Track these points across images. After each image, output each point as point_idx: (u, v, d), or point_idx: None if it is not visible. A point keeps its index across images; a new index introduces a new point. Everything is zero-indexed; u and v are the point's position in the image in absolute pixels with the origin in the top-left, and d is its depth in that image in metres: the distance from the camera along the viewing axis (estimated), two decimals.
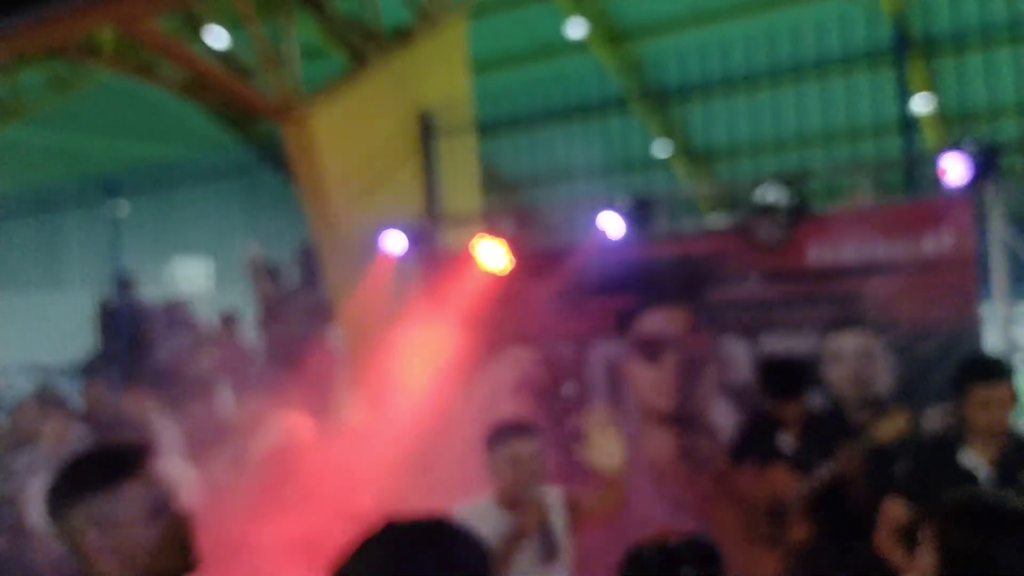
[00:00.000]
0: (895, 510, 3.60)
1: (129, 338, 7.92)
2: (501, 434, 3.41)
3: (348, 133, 6.43)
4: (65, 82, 11.46)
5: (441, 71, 7.34)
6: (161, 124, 16.51)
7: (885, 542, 3.62)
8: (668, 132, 11.01)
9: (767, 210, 5.11)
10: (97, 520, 1.77)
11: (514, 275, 5.90)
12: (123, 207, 8.65)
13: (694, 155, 11.13)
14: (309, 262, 7.15)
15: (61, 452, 6.01)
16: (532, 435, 3.42)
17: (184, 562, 1.84)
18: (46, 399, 6.64)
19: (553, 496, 3.44)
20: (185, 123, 16.68)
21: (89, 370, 8.08)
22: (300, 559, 3.79)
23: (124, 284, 8.12)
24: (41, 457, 6.05)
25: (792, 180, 5.21)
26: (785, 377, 4.27)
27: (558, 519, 3.42)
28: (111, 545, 1.76)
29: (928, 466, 3.56)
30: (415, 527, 1.55)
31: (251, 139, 15.79)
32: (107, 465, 1.83)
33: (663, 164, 11.15)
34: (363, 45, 6.84)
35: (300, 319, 6.83)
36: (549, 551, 3.32)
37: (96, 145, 15.21)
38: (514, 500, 3.34)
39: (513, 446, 3.36)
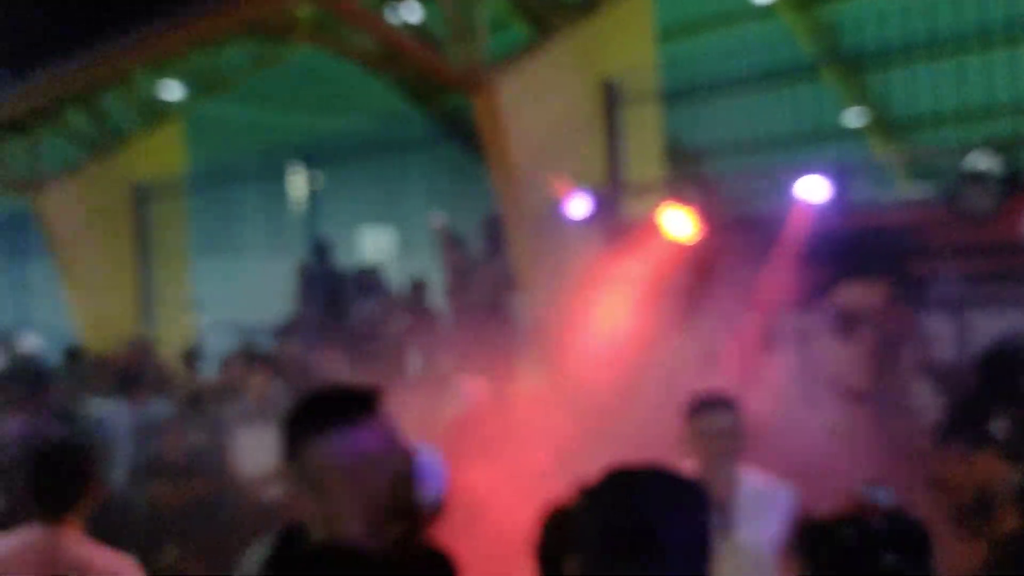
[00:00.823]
0: None
1: (325, 301, 8.37)
2: (700, 406, 3.37)
3: (533, 103, 6.49)
4: (263, 59, 12.10)
5: (626, 39, 7.26)
6: (348, 99, 17.24)
7: None
8: (863, 99, 10.47)
9: (977, 179, 4.78)
10: (338, 455, 1.80)
11: (702, 244, 5.81)
12: (318, 178, 9.11)
13: (891, 124, 10.52)
14: (493, 232, 7.29)
15: (264, 404, 6.46)
16: (731, 410, 3.37)
17: (411, 500, 1.91)
18: (250, 355, 7.13)
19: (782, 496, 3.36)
20: (370, 97, 17.36)
21: (286, 330, 8.60)
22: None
23: (321, 250, 8.56)
24: (247, 409, 6.51)
25: (1005, 147, 4.85)
26: (1006, 361, 4.01)
27: (757, 506, 3.32)
28: (350, 480, 1.79)
29: None
30: (638, 473, 1.57)
31: (434, 112, 16.24)
32: (346, 402, 1.86)
33: (855, 134, 10.61)
34: (548, 15, 6.87)
35: (485, 287, 7.01)
36: (723, 528, 3.20)
37: (287, 120, 16.07)
38: (707, 473, 3.28)
39: (710, 419, 3.33)
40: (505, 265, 7.09)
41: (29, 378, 5.72)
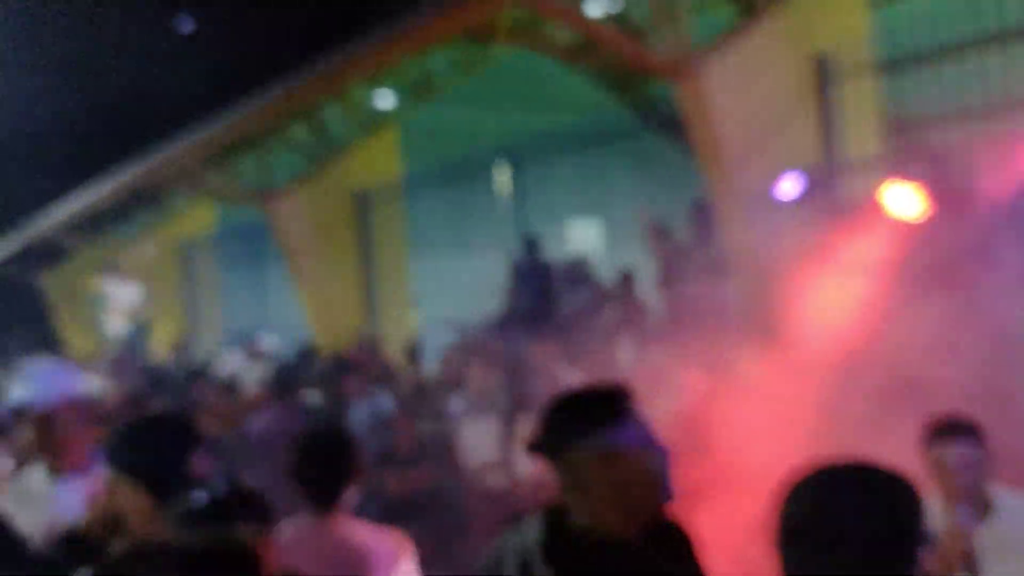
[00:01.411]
0: None
1: (535, 294, 8.53)
2: (940, 431, 3.06)
3: (741, 85, 6.31)
4: (468, 62, 12.50)
5: (837, 11, 6.91)
6: (550, 95, 17.46)
7: None
8: None
9: None
10: (601, 452, 1.92)
11: (931, 221, 5.44)
12: (524, 175, 9.29)
13: None
14: (702, 219, 7.17)
15: (484, 396, 6.68)
16: (977, 437, 2.99)
17: (664, 494, 1.97)
18: (469, 348, 7.39)
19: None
20: (572, 92, 17.49)
21: (500, 324, 8.85)
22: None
23: (531, 245, 8.74)
24: (468, 401, 6.75)
25: None
26: None
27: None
28: (611, 475, 1.92)
29: None
30: (846, 469, 1.56)
31: (634, 102, 16.15)
32: (603, 403, 1.98)
33: None
34: None
35: (696, 276, 6.90)
36: None
37: (492, 120, 16.51)
38: (947, 509, 2.91)
39: (951, 448, 2.98)
40: (716, 251, 6.94)
41: (280, 376, 6.19)
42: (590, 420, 1.95)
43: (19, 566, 1.84)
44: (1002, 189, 5.21)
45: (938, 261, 5.35)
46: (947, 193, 5.51)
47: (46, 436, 2.95)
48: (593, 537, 1.94)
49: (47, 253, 19.44)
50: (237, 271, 15.05)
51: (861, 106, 6.59)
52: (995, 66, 6.71)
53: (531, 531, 2.02)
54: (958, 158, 6.23)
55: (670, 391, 5.32)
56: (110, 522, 2.10)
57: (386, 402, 7.22)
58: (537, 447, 2.12)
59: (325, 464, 2.64)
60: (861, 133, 6.67)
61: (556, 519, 2.01)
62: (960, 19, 6.57)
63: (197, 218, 15.65)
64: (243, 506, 1.87)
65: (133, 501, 2.06)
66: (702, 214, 7.19)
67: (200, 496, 1.86)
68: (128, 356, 9.07)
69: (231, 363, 10.26)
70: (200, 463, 2.14)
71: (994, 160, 5.96)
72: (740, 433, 4.79)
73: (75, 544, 2.09)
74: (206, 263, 15.43)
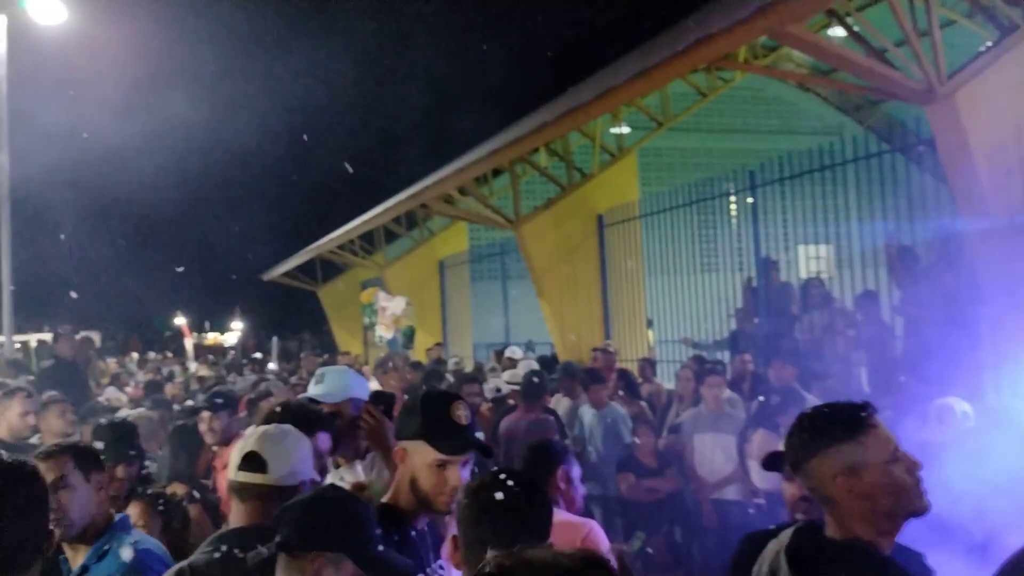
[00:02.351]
0: None
1: (772, 315, 8.30)
2: None
3: (999, 109, 5.83)
4: (706, 91, 12.38)
5: None
6: (783, 119, 16.94)
7: None
8: None
9: None
10: (846, 466, 1.93)
11: None
12: (757, 198, 9.05)
13: None
14: (948, 244, 6.67)
15: (719, 412, 6.58)
16: None
17: (915, 505, 1.93)
18: (703, 366, 7.29)
19: None
20: (805, 115, 16.87)
21: (737, 344, 8.67)
22: None
23: (767, 266, 8.51)
24: (702, 415, 6.67)
25: None
26: None
27: None
28: (856, 487, 1.92)
29: None
30: None
31: (869, 124, 15.32)
32: (851, 416, 1.99)
33: None
34: (1010, 15, 6.12)
35: (939, 300, 6.42)
36: None
37: (729, 144, 16.25)
38: None
39: None
40: (959, 276, 6.44)
41: (529, 383, 6.42)
42: (833, 434, 1.96)
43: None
44: None
45: None
46: None
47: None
48: (841, 547, 1.93)
49: (326, 268, 21.32)
50: (485, 287, 15.75)
51: None
52: None
53: (784, 539, 2.03)
54: None
55: (930, 420, 4.96)
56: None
57: (620, 413, 7.27)
58: (776, 461, 2.14)
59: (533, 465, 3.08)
60: None
61: (810, 530, 2.02)
62: None
63: (453, 239, 16.54)
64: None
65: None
66: (953, 239, 6.69)
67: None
68: (398, 359, 9.72)
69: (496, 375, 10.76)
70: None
71: None
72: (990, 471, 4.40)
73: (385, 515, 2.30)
74: (459, 279, 16.25)
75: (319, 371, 3.49)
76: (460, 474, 2.33)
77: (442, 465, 2.32)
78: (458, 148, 12.09)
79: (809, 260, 10.55)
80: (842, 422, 1.98)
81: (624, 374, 8.39)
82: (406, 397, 3.34)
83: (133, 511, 3.33)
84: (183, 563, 2.27)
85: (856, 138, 10.06)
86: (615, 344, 10.66)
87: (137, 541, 2.74)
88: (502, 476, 2.01)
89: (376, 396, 3.33)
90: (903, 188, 8.42)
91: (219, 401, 5.12)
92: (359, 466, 3.32)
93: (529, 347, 12.01)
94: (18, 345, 15.81)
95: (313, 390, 3.36)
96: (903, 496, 1.91)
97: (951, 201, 6.47)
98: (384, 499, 2.43)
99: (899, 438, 2.00)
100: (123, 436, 4.01)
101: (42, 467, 2.04)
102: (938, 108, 5.81)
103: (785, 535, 2.04)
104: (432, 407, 2.37)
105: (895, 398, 5.36)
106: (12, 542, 1.54)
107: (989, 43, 6.26)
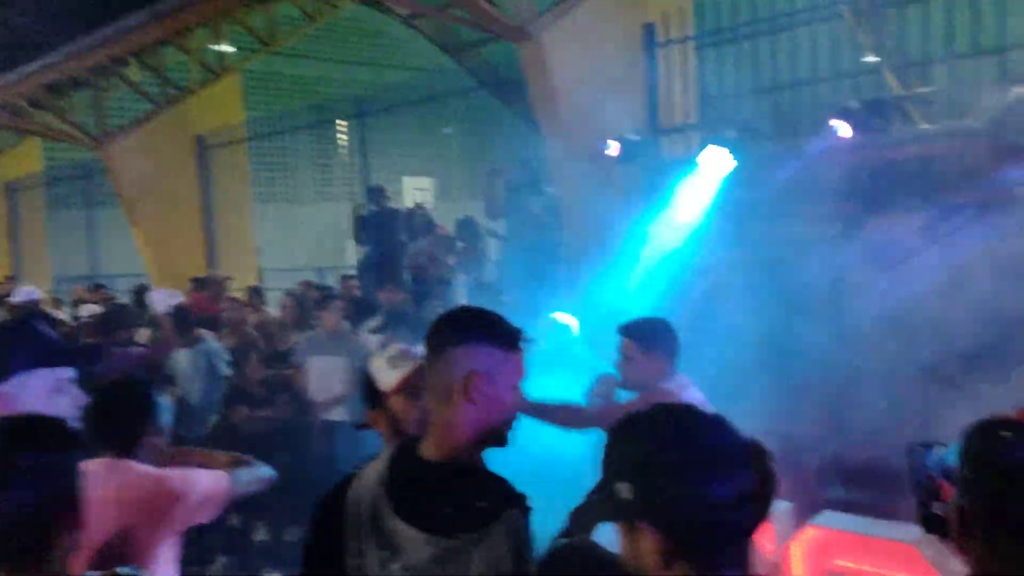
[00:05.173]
0: None
1: (381, 242, 8.37)
2: None
3: (579, 50, 6.37)
4: (312, 15, 11.95)
5: None
6: (390, 53, 17.08)
7: None
8: (880, 40, 10.06)
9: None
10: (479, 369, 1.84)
11: (736, 181, 5.71)
12: (365, 130, 9.04)
13: (907, 63, 10.20)
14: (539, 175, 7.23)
15: (335, 336, 6.50)
16: None
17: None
18: (319, 292, 7.15)
19: None
20: (411, 51, 17.16)
21: (360, 271, 8.63)
22: None
23: (376, 195, 8.54)
24: (318, 340, 6.54)
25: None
26: None
27: None
28: (481, 393, 1.81)
29: None
30: None
31: (469, 64, 16.01)
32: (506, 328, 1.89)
33: (874, 74, 10.33)
34: None
35: (528, 224, 6.96)
36: None
37: (340, 74, 15.96)
38: None
39: None
40: (548, 203, 7.05)
41: (109, 316, 5.74)
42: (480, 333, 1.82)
43: None
44: (808, 152, 5.51)
45: (739, 219, 5.65)
46: (750, 155, 5.78)
47: None
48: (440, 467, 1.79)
49: None
50: (67, 214, 13.89)
51: (681, 74, 6.78)
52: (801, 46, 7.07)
53: (379, 467, 1.85)
54: (763, 125, 6.58)
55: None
56: None
57: (213, 347, 6.82)
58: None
59: (113, 414, 2.44)
60: (681, 99, 6.89)
61: (405, 451, 1.86)
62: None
63: (24, 158, 14.25)
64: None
65: None
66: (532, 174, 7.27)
67: None
68: None
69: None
70: None
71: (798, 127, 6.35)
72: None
73: None
74: (33, 204, 14.12)
75: None
76: None
77: None
78: (26, 52, 10.31)
79: (414, 192, 10.84)
80: (491, 325, 1.84)
81: (228, 304, 7.92)
82: None
83: None
84: None
85: (458, 76, 10.44)
86: (221, 273, 10.06)
87: None
88: None
89: None
90: (498, 126, 8.93)
91: None
92: None
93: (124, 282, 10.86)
94: None
95: None
96: (506, 421, 1.83)
97: (539, 137, 6.99)
98: None
99: None
100: None
101: None
102: (529, 46, 6.18)
103: (378, 461, 1.87)
104: None
105: None
106: None
107: None
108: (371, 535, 1.78)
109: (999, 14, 5.87)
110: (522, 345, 1.83)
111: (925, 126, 5.85)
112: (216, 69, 10.93)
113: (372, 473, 1.86)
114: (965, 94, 5.45)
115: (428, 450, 1.82)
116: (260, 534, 6.58)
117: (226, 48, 11.29)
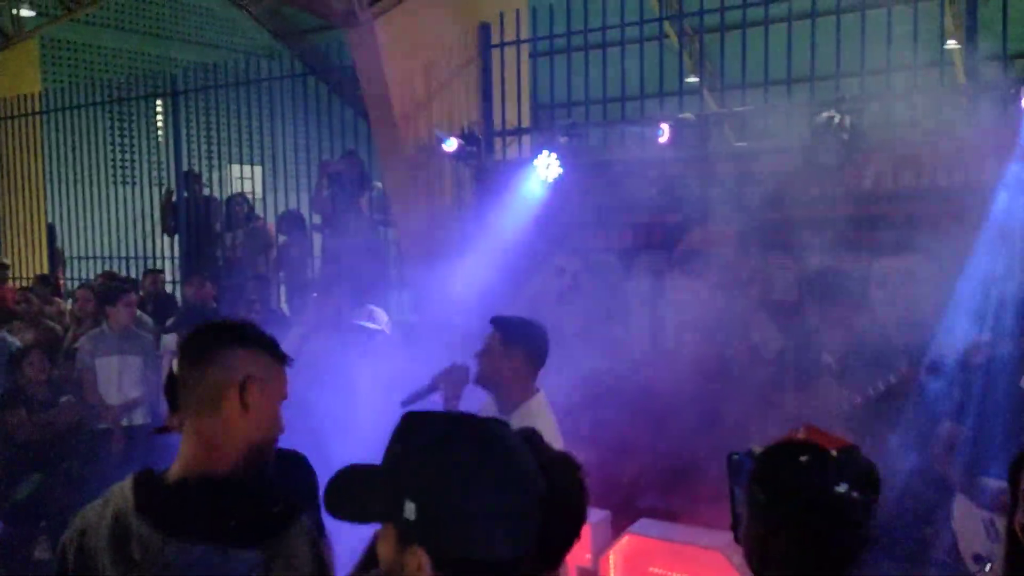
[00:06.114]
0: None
1: (192, 230, 7.76)
2: None
3: (411, 42, 6.15)
4: None
5: None
6: (214, 32, 16.09)
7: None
8: (700, 61, 10.45)
9: (830, 132, 4.80)
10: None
11: (563, 186, 5.69)
12: (181, 109, 8.37)
13: (725, 85, 10.73)
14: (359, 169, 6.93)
15: (126, 334, 5.93)
16: None
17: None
18: (111, 285, 6.52)
19: None
20: (237, 33, 16.26)
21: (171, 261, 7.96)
22: None
23: (189, 180, 7.91)
24: (107, 338, 5.94)
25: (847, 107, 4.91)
26: None
27: None
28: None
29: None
30: None
31: (300, 50, 15.37)
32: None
33: (694, 92, 10.79)
34: None
35: (350, 220, 6.65)
36: None
37: (156, 49, 14.82)
38: None
39: None
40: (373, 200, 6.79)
41: None
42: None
43: None
44: (629, 163, 5.58)
45: (565, 224, 5.65)
46: (577, 163, 5.77)
47: None
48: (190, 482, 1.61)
49: None
50: None
51: (514, 76, 6.68)
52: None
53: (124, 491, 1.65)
54: (589, 134, 6.61)
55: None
56: None
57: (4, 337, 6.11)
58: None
59: None
60: (514, 101, 6.79)
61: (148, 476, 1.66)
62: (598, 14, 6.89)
63: None
64: None
65: None
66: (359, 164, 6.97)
67: None
68: None
69: None
70: None
71: (622, 138, 6.44)
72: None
73: None
74: None
75: None
76: None
77: None
78: None
79: (238, 180, 10.19)
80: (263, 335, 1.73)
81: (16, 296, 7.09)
82: None
83: None
84: None
85: (283, 58, 9.93)
86: (8, 259, 9.03)
87: None
88: None
89: None
90: (326, 115, 8.55)
91: None
92: None
93: None
94: None
95: None
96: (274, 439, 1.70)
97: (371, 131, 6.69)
98: None
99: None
100: None
101: None
102: (359, 33, 5.90)
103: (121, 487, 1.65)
104: None
105: (306, 315, 5.35)
106: None
107: None
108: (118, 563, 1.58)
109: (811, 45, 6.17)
110: (288, 363, 1.72)
111: (740, 144, 6.07)
112: (10, 33, 9.83)
113: (117, 500, 1.63)
114: (778, 117, 5.68)
115: (182, 469, 1.61)
116: (41, 550, 5.89)
117: (25, 12, 10.19)
